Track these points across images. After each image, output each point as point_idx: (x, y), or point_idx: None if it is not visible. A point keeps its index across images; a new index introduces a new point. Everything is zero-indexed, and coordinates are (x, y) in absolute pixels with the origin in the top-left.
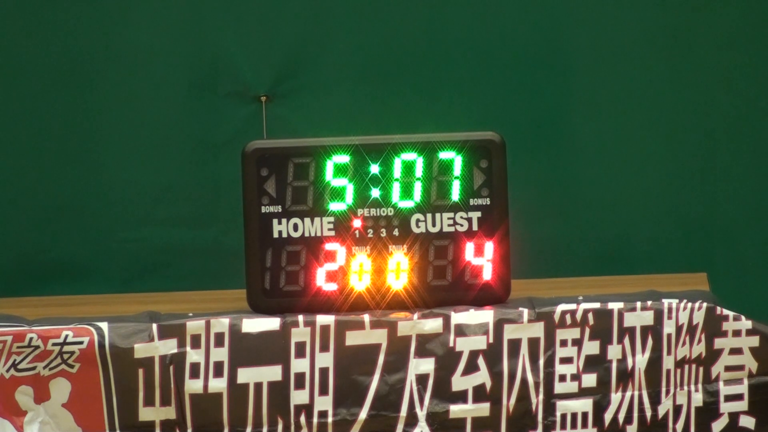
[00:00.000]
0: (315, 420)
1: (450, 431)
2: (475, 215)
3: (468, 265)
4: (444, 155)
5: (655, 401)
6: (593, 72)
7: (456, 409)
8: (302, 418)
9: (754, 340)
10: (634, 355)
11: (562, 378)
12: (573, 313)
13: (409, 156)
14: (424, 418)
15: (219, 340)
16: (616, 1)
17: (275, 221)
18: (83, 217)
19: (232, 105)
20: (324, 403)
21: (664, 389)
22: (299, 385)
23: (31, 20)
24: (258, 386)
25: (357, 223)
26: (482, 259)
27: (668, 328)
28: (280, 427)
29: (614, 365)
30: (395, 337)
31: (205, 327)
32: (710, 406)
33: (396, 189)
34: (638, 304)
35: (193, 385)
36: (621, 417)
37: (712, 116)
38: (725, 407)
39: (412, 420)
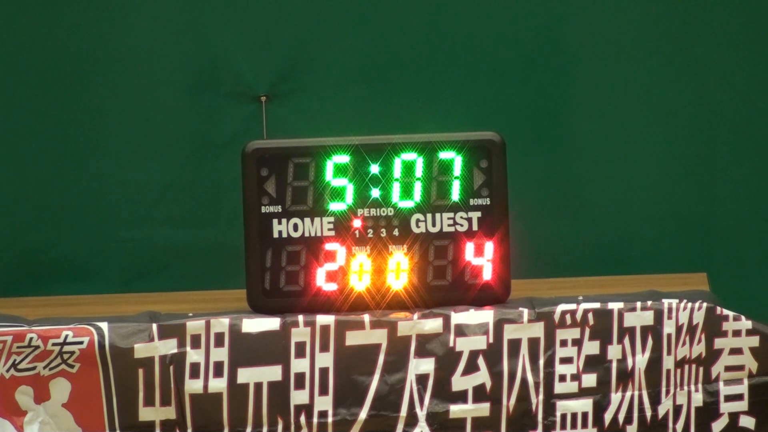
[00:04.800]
0: (315, 420)
1: (450, 431)
2: (475, 215)
3: (468, 265)
4: (444, 155)
5: (655, 401)
6: (593, 72)
7: (456, 409)
8: (302, 418)
9: (754, 340)
10: (634, 355)
11: (562, 378)
12: (573, 313)
13: (409, 156)
14: (424, 418)
15: (219, 340)
16: (616, 1)
17: (275, 221)
18: (83, 217)
19: (232, 105)
20: (324, 403)
21: (664, 389)
22: (299, 385)
23: (31, 20)
24: (258, 386)
25: (357, 223)
26: (482, 259)
27: (668, 328)
28: (280, 427)
29: (614, 365)
30: (395, 337)
31: (205, 327)
32: (710, 406)
33: (396, 189)
34: (638, 304)
35: (193, 385)
36: (621, 417)
37: (712, 116)
38: (725, 407)
39: (412, 420)
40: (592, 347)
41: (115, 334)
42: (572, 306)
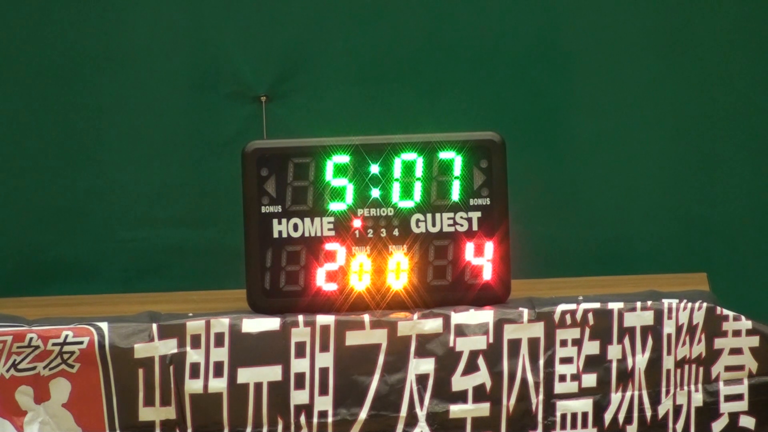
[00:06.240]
0: (315, 420)
1: (450, 431)
2: (475, 215)
3: (468, 265)
4: (444, 155)
5: (655, 401)
6: (593, 72)
7: (456, 409)
8: (302, 418)
9: (754, 340)
10: (634, 355)
11: (562, 378)
12: (573, 313)
13: (409, 156)
14: (424, 418)
15: (219, 340)
16: (616, 1)
17: (275, 221)
18: (83, 217)
19: (232, 105)
20: (324, 403)
21: (664, 389)
22: (299, 385)
23: (31, 20)
24: (258, 386)
25: (357, 223)
26: (482, 259)
27: (668, 328)
28: (280, 427)
29: (614, 365)
30: (395, 337)
31: (205, 327)
32: (710, 406)
33: (396, 189)
34: (638, 304)
35: (193, 385)
36: (621, 417)
37: (712, 116)
38: (725, 407)
39: (412, 420)
40: (592, 347)
41: (115, 334)
42: (572, 306)
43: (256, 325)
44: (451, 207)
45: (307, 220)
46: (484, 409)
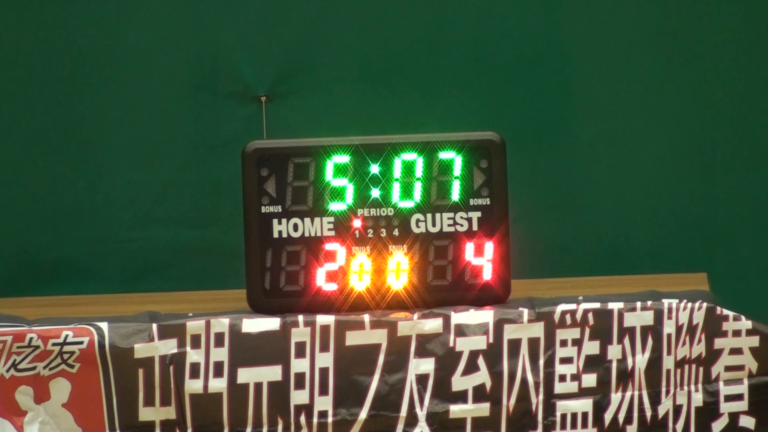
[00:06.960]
0: (315, 420)
1: (450, 431)
2: (475, 215)
3: (468, 265)
4: (444, 155)
5: (655, 401)
6: (593, 72)
7: (456, 409)
8: (302, 418)
9: (754, 340)
10: (634, 355)
11: (562, 378)
12: (573, 313)
13: (409, 156)
14: (424, 418)
15: (219, 340)
16: (616, 1)
17: (275, 221)
18: (83, 217)
19: (232, 105)
20: (324, 403)
21: (664, 389)
22: (299, 385)
23: (32, 20)
24: (258, 386)
25: (357, 223)
26: (482, 259)
27: (668, 328)
28: (280, 427)
29: (614, 365)
30: (395, 337)
31: (205, 327)
32: (710, 406)
33: (396, 189)
34: (638, 304)
35: (193, 385)
36: (621, 417)
37: (712, 116)
38: (725, 407)
39: (412, 420)
40: (592, 347)
41: (115, 334)
42: (572, 306)
43: (256, 325)
44: (451, 207)
45: (307, 220)
46: (484, 409)
